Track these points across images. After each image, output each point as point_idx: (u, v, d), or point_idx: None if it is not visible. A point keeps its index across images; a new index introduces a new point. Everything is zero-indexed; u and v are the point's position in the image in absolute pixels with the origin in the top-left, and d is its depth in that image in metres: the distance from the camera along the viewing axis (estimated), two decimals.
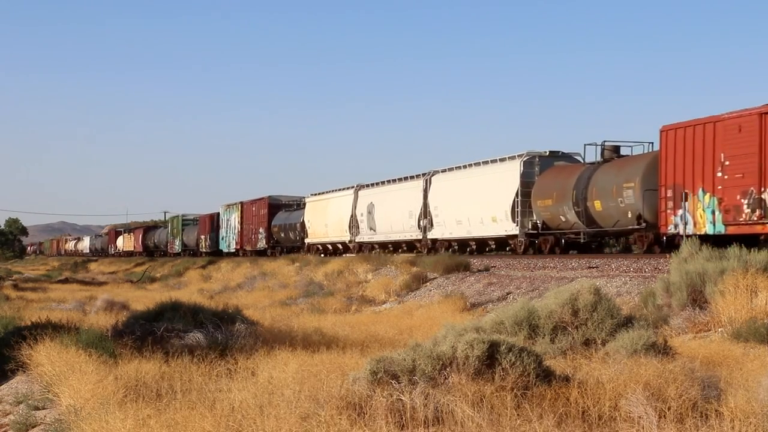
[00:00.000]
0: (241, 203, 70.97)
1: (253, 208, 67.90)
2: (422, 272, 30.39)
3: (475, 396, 8.72)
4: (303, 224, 58.42)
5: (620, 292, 19.16)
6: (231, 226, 73.65)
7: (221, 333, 14.60)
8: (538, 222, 34.72)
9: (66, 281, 55.40)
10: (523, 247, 35.16)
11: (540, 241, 34.82)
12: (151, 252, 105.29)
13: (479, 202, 37.73)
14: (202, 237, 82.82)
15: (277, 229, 63.35)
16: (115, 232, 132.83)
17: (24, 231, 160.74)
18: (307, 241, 57.79)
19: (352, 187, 52.29)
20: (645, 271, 22.08)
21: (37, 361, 13.40)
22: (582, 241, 32.60)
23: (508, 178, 36.24)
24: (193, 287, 45.38)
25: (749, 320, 13.54)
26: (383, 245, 47.59)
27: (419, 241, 43.05)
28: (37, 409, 11.65)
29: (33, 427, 10.95)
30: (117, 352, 13.05)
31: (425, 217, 42.52)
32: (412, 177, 45.37)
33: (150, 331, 14.87)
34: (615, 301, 12.83)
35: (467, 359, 9.18)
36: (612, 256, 28.09)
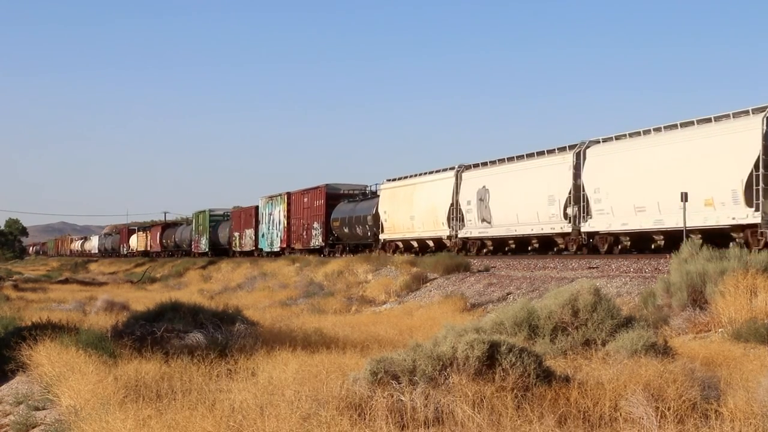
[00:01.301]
0: (289, 194, 61.25)
1: (305, 199, 58.02)
2: (422, 272, 30.39)
3: (476, 396, 8.72)
4: (376, 216, 47.90)
5: (620, 292, 19.16)
6: (274, 221, 63.90)
7: (221, 333, 14.60)
8: None
9: (66, 282, 55.39)
10: None
11: None
12: (171, 252, 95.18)
13: (679, 180, 26.67)
14: (236, 234, 73.83)
15: (338, 223, 52.68)
16: (128, 230, 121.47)
17: (24, 231, 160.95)
18: (382, 237, 47.11)
19: (452, 168, 41.57)
20: (645, 272, 22.07)
21: (37, 362, 13.40)
22: None
23: (737, 142, 25.01)
24: (193, 288, 45.39)
25: (749, 320, 13.54)
26: (502, 241, 37.52)
27: (565, 235, 32.73)
28: (37, 409, 11.65)
29: (33, 428, 10.95)
30: (117, 353, 13.05)
31: (576, 203, 31.79)
32: (552, 151, 34.24)
33: (150, 332, 14.86)
34: (615, 301, 12.82)
35: (467, 360, 9.18)
36: (612, 257, 28.05)
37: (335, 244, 54.04)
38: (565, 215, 32.35)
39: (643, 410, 8.31)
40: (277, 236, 63.08)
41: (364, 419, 8.42)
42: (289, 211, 61.01)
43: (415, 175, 45.68)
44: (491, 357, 9.24)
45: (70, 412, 10.15)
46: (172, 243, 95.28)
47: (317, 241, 55.64)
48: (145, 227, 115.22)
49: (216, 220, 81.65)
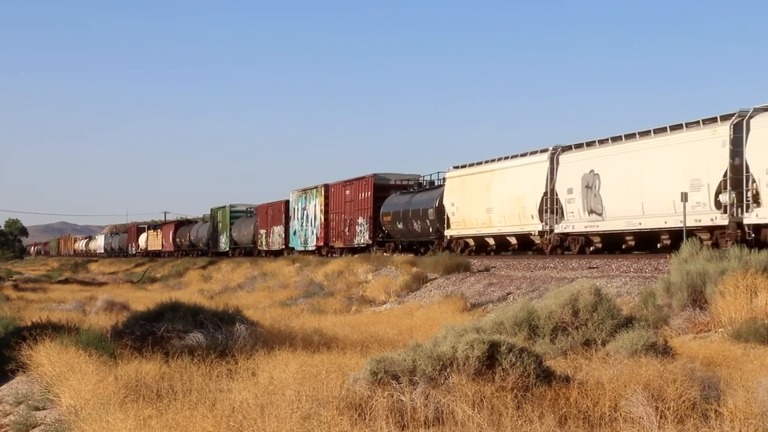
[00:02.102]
0: (327, 186, 54.28)
1: (347, 192, 51.34)
2: (422, 272, 30.39)
3: (476, 396, 8.73)
4: (440, 210, 41.09)
5: (620, 292, 19.16)
6: (309, 216, 57.09)
7: (221, 333, 14.60)
8: None
9: (66, 282, 55.40)
10: None
11: None
12: (186, 251, 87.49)
13: None
14: (262, 232, 66.64)
15: (389, 218, 45.58)
16: (137, 228, 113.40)
17: (24, 231, 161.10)
18: (448, 233, 40.27)
19: (545, 150, 34.43)
20: (645, 272, 22.08)
21: (37, 362, 13.40)
22: None
23: None
24: (193, 288, 45.41)
25: (749, 320, 13.54)
26: (617, 237, 30.89)
27: (716, 228, 25.78)
28: (37, 409, 11.65)
29: (33, 428, 10.95)
30: (117, 353, 13.06)
31: (734, 188, 25.02)
32: (694, 124, 27.31)
33: (150, 332, 14.87)
34: (615, 301, 12.83)
35: (467, 360, 9.19)
36: (612, 257, 28.04)
37: (385, 242, 46.92)
38: (717, 204, 25.45)
39: (643, 410, 8.31)
40: (313, 233, 56.38)
41: (365, 419, 8.42)
42: (326, 205, 53.91)
43: (493, 160, 38.55)
44: (491, 357, 9.25)
45: (70, 412, 10.15)
46: (186, 242, 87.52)
47: (362, 238, 48.91)
48: (155, 225, 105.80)
49: (237, 217, 74.41)
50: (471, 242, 39.27)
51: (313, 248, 55.89)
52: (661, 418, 8.24)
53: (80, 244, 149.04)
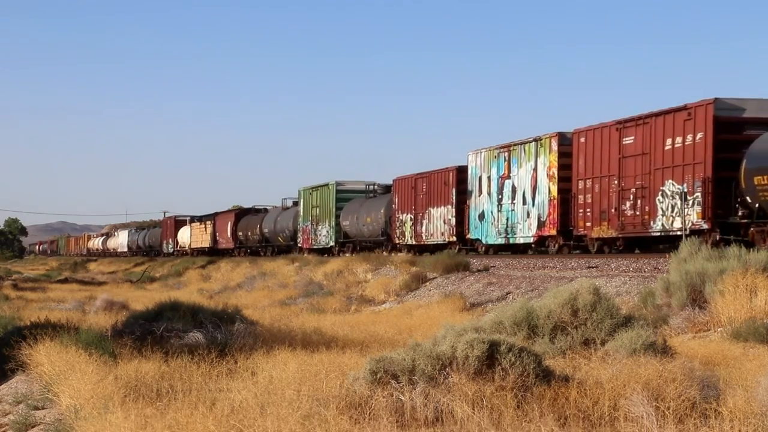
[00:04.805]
0: (561, 135, 32.41)
1: (631, 137, 28.55)
2: (422, 272, 30.39)
3: (475, 396, 8.74)
4: None
5: (620, 291, 19.17)
6: (517, 189, 34.59)
7: (221, 333, 14.61)
8: None
9: (65, 281, 55.35)
10: None
11: None
12: (254, 249, 65.13)
13: None
14: (404, 218, 43.85)
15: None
16: (175, 221, 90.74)
17: (24, 231, 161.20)
18: None
19: None
20: (644, 271, 22.08)
21: (36, 361, 13.40)
22: None
23: None
24: (193, 287, 45.41)
25: (748, 320, 13.56)
26: None
27: None
28: (36, 408, 11.65)
29: (33, 427, 10.96)
30: (116, 352, 13.06)
31: None
32: None
33: (149, 331, 14.89)
34: (614, 300, 12.83)
35: (467, 359, 9.20)
36: (612, 256, 28.04)
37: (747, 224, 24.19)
38: None
39: (642, 409, 8.33)
40: (527, 216, 33.91)
41: (364, 418, 8.43)
42: (562, 167, 32.11)
43: None
44: (491, 356, 9.26)
45: (70, 412, 10.16)
46: (256, 235, 64.53)
47: (672, 222, 26.63)
48: (202, 217, 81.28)
49: (347, 198, 51.06)
50: None
51: (532, 239, 33.77)
52: (660, 417, 8.25)
53: (96, 242, 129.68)
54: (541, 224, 33.15)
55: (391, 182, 46.74)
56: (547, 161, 32.97)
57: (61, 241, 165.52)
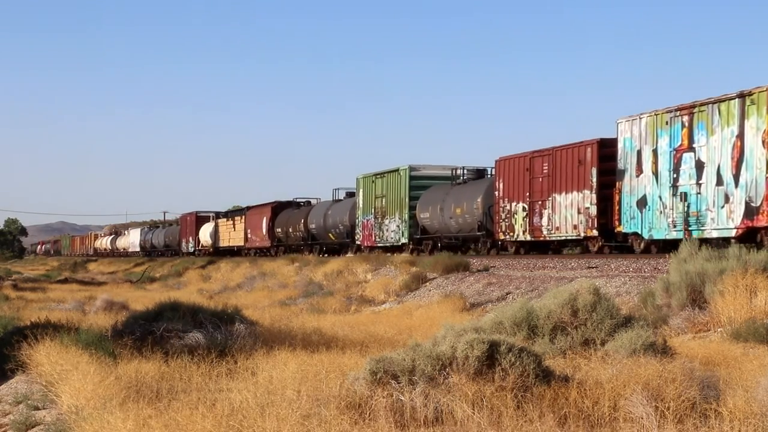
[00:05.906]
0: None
1: None
2: (422, 272, 30.40)
3: (475, 396, 8.74)
4: None
5: (619, 292, 19.17)
6: (703, 162, 25.30)
7: (221, 333, 14.61)
8: None
9: (65, 281, 55.35)
10: None
11: None
12: (297, 247, 55.66)
13: None
14: (512, 207, 34.72)
15: None
16: (197, 217, 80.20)
17: (23, 231, 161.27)
18: None
19: None
20: (644, 271, 22.08)
21: (36, 361, 13.41)
22: None
23: None
24: (193, 287, 45.40)
25: (748, 320, 13.57)
26: None
27: None
28: (36, 408, 11.66)
29: (33, 427, 10.96)
30: (116, 352, 13.07)
31: None
32: None
33: (149, 331, 14.88)
34: (614, 301, 12.83)
35: (467, 359, 9.20)
36: (611, 256, 28.05)
37: None
38: None
39: (642, 410, 8.33)
40: (725, 201, 24.68)
41: (364, 419, 8.44)
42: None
43: None
44: (491, 357, 9.26)
45: (70, 412, 10.16)
46: (300, 232, 55.67)
47: None
48: (230, 212, 72.52)
49: (425, 186, 42.05)
50: None
51: (734, 232, 24.30)
52: (660, 417, 8.25)
53: (104, 242, 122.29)
54: (750, 211, 23.77)
55: (487, 166, 38.10)
56: (764, 123, 23.35)
57: (64, 241, 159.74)
